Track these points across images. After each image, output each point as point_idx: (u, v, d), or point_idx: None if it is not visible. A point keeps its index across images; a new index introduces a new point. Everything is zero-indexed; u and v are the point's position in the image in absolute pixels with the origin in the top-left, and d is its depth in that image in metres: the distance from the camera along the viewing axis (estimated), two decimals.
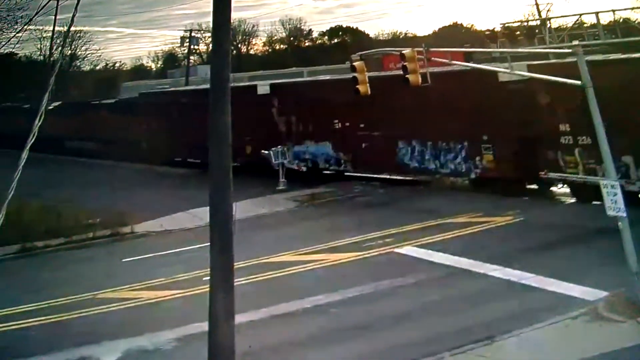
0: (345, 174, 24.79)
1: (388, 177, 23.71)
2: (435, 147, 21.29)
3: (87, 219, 20.09)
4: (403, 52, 13.90)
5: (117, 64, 78.45)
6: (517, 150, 19.06)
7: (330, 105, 23.33)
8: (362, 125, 23.31)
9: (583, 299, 11.34)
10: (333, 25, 77.39)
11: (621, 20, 15.67)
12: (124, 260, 17.02)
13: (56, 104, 38.40)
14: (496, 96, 18.59)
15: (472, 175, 20.67)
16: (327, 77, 29.03)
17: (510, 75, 16.99)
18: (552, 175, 17.40)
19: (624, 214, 10.94)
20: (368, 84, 14.59)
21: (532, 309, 11.16)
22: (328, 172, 25.21)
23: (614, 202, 11.03)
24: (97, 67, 71.59)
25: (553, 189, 19.60)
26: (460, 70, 17.31)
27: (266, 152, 25.25)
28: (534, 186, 19.73)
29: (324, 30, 77.25)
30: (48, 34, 52.22)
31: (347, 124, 23.90)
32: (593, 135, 11.77)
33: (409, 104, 20.15)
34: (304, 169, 25.42)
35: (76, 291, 14.19)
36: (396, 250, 15.65)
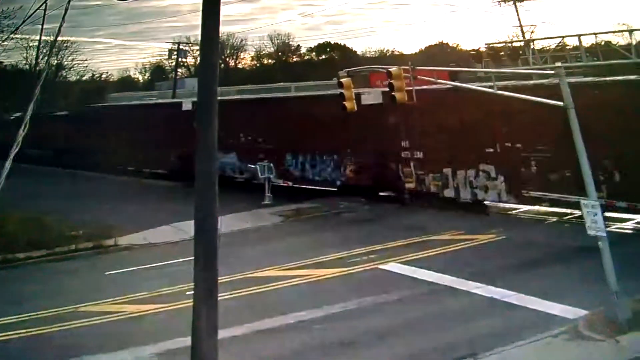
0: (253, 181, 26.87)
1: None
2: (313, 159, 25.03)
3: (70, 231, 19.91)
4: (390, 69, 14.06)
5: (104, 75, 78.24)
6: (371, 162, 23.19)
7: (238, 121, 26.23)
8: (260, 140, 27.50)
9: (563, 317, 11.47)
10: (321, 42, 77.93)
11: (603, 43, 15.99)
12: (107, 273, 16.89)
13: (17, 114, 38.63)
14: (358, 116, 19.72)
15: (338, 183, 24.60)
16: (236, 97, 34.37)
17: (374, 99, 21.30)
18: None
19: (604, 234, 11.11)
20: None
21: (514, 327, 11.27)
22: (237, 180, 27.94)
23: (594, 222, 11.21)
24: (84, 78, 71.31)
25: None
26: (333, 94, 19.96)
27: (253, 166, 25.31)
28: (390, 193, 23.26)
29: (312, 46, 77.69)
30: (35, 43, 52.03)
31: (249, 137, 27.80)
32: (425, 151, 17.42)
33: (295, 121, 24.50)
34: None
35: (58, 304, 14.04)
36: (380, 266, 15.72)
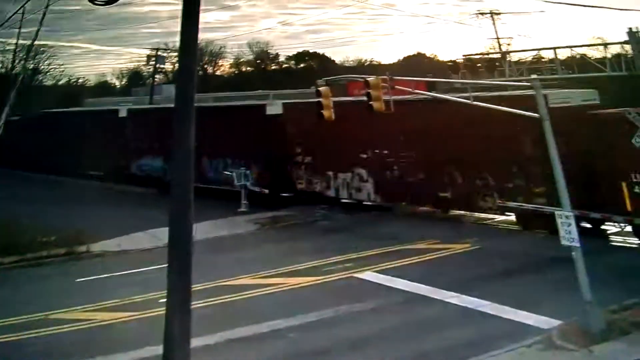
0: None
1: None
2: (226, 163, 26.81)
3: (42, 237, 19.55)
4: (367, 79, 14.11)
5: (81, 80, 77.31)
6: (272, 167, 25.53)
7: (165, 127, 25.76)
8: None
9: (538, 327, 11.52)
10: (300, 50, 78.08)
11: (578, 56, 16.22)
12: (78, 280, 16.59)
13: None
14: (263, 125, 25.40)
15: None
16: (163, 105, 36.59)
17: (276, 110, 25.15)
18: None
19: (578, 244, 11.22)
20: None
21: (488, 337, 11.29)
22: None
23: (568, 232, 11.31)
24: (60, 82, 70.38)
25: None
26: (242, 105, 27.39)
27: (228, 173, 25.19)
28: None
29: (291, 55, 77.83)
30: (11, 47, 51.18)
31: (162, 145, 29.40)
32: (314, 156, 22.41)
33: (211, 128, 25.83)
34: (266, 191, 25.43)
35: (28, 310, 13.77)
36: (356, 275, 15.68)
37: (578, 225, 11.67)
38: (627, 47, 14.98)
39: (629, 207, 16.05)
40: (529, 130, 15.01)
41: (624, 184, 16.09)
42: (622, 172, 16.08)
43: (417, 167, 21.33)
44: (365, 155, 22.89)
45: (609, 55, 15.25)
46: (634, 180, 15.91)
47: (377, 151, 22.48)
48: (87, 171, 34.40)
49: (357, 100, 17.84)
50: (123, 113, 33.45)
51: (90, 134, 33.51)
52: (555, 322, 11.45)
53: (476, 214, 21.04)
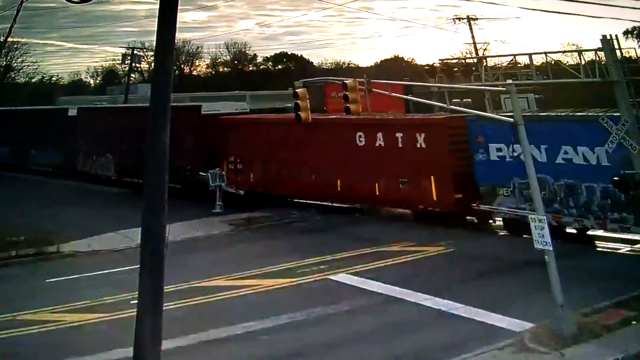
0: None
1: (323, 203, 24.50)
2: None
3: (10, 237, 19.15)
4: (345, 81, 14.12)
5: (55, 78, 76.22)
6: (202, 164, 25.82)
7: (115, 126, 31.16)
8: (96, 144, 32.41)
9: (510, 329, 11.58)
10: (278, 52, 77.99)
11: (553, 62, 16.42)
12: (47, 280, 16.28)
13: None
14: (63, 125, 31.97)
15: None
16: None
17: (73, 112, 33.93)
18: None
19: (551, 248, 11.32)
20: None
21: (460, 339, 11.32)
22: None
23: (541, 236, 11.41)
24: (33, 80, 69.31)
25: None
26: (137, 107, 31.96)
27: (204, 173, 24.98)
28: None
29: (269, 56, 77.69)
30: None
31: (92, 140, 32.49)
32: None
33: (110, 128, 30.73)
34: (242, 192, 25.25)
35: None
36: (330, 277, 15.63)
37: None
38: (601, 54, 15.20)
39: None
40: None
41: (225, 162, 25.83)
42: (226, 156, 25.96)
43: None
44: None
45: (583, 62, 15.48)
46: (230, 160, 25.73)
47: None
48: (38, 167, 36.58)
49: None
50: (73, 112, 35.08)
51: (42, 132, 35.73)
52: (528, 325, 11.54)
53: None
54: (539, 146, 17.50)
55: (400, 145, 21.09)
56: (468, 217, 20.61)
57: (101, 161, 31.98)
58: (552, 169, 17.49)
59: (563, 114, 18.69)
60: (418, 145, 20.54)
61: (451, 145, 19.99)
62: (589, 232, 18.05)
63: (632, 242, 17.55)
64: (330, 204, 24.14)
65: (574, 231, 17.97)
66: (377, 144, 21.77)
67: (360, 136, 22.23)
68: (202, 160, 25.69)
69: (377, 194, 21.49)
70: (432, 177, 20.06)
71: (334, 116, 25.30)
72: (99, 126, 32.27)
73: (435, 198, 20.10)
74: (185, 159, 25.49)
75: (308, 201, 24.78)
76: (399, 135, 21.14)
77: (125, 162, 29.70)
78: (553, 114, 18.65)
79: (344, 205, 23.78)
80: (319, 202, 24.28)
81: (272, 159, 24.86)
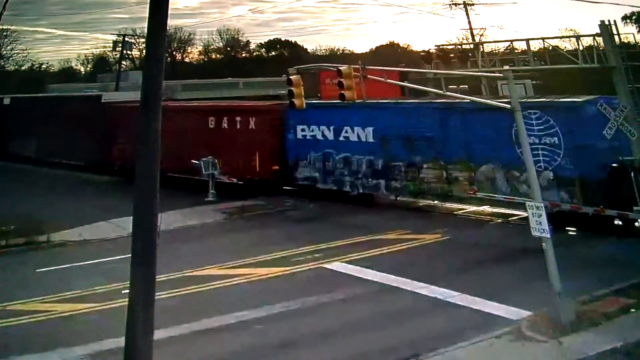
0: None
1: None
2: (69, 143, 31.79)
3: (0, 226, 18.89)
4: (340, 68, 13.88)
5: (44, 66, 75.41)
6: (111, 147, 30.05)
7: (44, 114, 34.90)
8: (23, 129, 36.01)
9: (507, 318, 11.48)
10: (271, 38, 77.39)
11: (550, 48, 16.23)
12: (38, 270, 16.03)
13: None
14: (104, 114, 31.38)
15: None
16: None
17: (7, 102, 37.25)
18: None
19: (548, 235, 11.17)
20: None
21: (457, 328, 11.21)
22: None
23: (538, 223, 11.25)
24: (23, 68, 68.56)
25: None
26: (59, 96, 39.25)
27: (196, 162, 24.75)
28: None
29: (262, 43, 77.11)
30: None
31: (20, 125, 36.28)
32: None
33: (35, 115, 34.83)
34: (234, 180, 25.05)
35: None
36: (325, 265, 15.48)
37: None
38: (599, 40, 15.03)
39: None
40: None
41: (115, 144, 29.32)
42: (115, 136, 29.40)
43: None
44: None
45: (581, 48, 15.31)
46: (119, 141, 28.82)
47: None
48: None
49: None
50: (7, 101, 39.09)
51: None
52: (525, 313, 11.42)
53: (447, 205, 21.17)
54: (330, 126, 22.51)
55: (237, 127, 25.27)
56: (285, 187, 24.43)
57: (25, 143, 36.05)
58: (336, 145, 22.39)
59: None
60: (250, 128, 24.83)
61: (272, 128, 24.26)
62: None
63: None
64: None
65: (355, 194, 22.40)
66: (222, 127, 25.83)
67: (211, 120, 26.26)
68: (102, 142, 30.13)
69: (221, 167, 24.71)
70: (257, 153, 24.33)
71: (191, 104, 30.84)
72: (26, 113, 36.47)
73: (258, 170, 24.47)
74: (90, 141, 30.36)
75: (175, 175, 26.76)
76: (237, 119, 25.34)
77: (45, 144, 34.06)
78: (332, 102, 21.13)
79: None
80: (186, 176, 26.17)
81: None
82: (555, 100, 17.94)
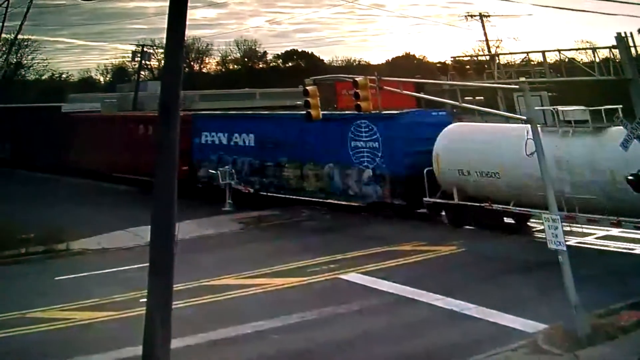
0: None
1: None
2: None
3: (20, 234, 19.15)
4: (356, 79, 13.97)
5: (64, 75, 76.49)
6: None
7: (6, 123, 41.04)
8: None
9: (523, 330, 11.41)
10: (288, 49, 77.84)
11: (566, 59, 16.21)
12: (57, 278, 16.24)
13: None
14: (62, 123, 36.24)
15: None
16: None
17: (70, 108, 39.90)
18: None
19: (564, 248, 11.12)
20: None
21: (473, 340, 11.17)
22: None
23: (554, 236, 11.20)
24: (43, 77, 69.59)
25: None
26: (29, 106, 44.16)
27: (213, 171, 24.96)
28: None
29: (279, 53, 77.59)
30: None
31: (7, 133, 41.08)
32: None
33: (8, 123, 40.40)
34: (251, 190, 25.22)
35: (4, 309, 13.43)
36: (341, 276, 15.52)
37: None
38: (616, 52, 14.99)
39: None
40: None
41: (72, 149, 34.00)
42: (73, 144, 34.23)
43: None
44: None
45: (597, 60, 15.26)
46: (75, 147, 33.67)
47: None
48: None
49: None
50: None
51: None
52: (541, 326, 11.35)
53: None
54: (224, 133, 26.71)
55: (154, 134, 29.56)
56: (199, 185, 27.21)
57: (1, 147, 41.48)
58: (228, 149, 26.53)
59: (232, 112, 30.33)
60: None
61: (183, 133, 24.90)
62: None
63: None
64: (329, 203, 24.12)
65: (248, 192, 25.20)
66: (145, 133, 29.93)
67: (140, 128, 30.86)
68: (62, 148, 34.42)
69: (143, 168, 27.10)
70: None
71: (122, 114, 38.56)
72: (2, 121, 41.68)
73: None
74: (50, 147, 35.18)
75: (116, 175, 32.13)
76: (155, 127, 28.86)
77: (19, 148, 39.58)
78: (227, 112, 28.49)
79: (353, 205, 23.65)
80: (123, 175, 31.20)
81: (96, 144, 32.74)
82: (379, 113, 20.78)
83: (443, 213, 20.31)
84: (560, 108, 16.57)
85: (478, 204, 18.73)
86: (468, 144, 19.07)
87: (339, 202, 23.84)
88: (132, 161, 29.79)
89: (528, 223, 19.37)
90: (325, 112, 16.92)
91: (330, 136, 22.74)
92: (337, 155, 22.59)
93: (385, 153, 21.19)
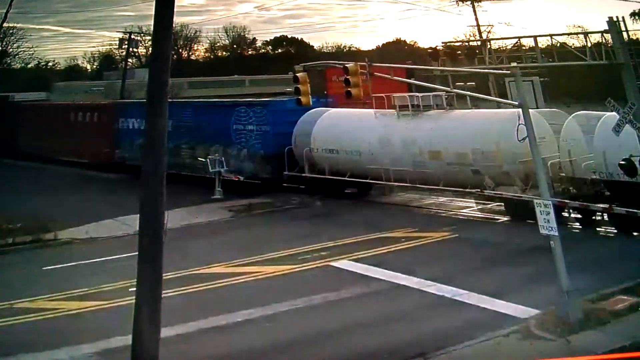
0: None
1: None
2: None
3: (6, 224, 18.93)
4: (346, 65, 13.83)
5: (51, 63, 75.59)
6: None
7: None
8: None
9: (515, 316, 11.40)
10: (277, 35, 77.34)
11: (558, 44, 16.13)
12: (44, 268, 16.07)
13: None
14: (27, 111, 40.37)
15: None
16: None
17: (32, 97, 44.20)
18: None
19: (556, 233, 11.10)
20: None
21: (465, 326, 11.15)
22: None
23: (546, 221, 11.17)
24: (29, 65, 68.79)
25: None
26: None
27: (203, 159, 24.76)
28: None
29: (268, 40, 77.07)
30: None
31: None
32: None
33: None
34: (241, 178, 25.07)
35: None
36: (332, 264, 15.45)
37: None
38: (608, 37, 14.92)
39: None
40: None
41: (22, 135, 38.13)
42: (24, 130, 38.38)
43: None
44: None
45: (589, 44, 15.21)
46: (26, 133, 37.93)
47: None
48: None
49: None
50: None
51: None
52: (533, 312, 11.36)
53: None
54: (138, 119, 28.67)
55: (87, 120, 34.60)
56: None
57: None
58: (140, 133, 25.18)
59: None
60: (95, 120, 34.16)
61: (108, 119, 32.81)
62: None
63: None
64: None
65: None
66: (82, 120, 34.67)
67: (76, 115, 35.25)
68: (13, 134, 37.77)
69: (82, 151, 33.38)
70: (100, 138, 32.61)
71: (57, 102, 41.32)
72: None
73: (101, 151, 32.46)
74: (3, 134, 38.31)
75: (63, 159, 34.75)
76: (88, 114, 34.83)
77: None
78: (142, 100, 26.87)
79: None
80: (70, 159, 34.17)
81: (44, 131, 35.99)
82: (254, 100, 25.94)
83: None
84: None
85: (323, 176, 22.91)
86: (334, 129, 22.84)
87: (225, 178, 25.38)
88: (75, 146, 33.81)
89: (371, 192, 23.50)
90: (212, 100, 18.65)
91: (218, 120, 26.33)
92: (223, 137, 25.94)
93: (258, 135, 24.70)
